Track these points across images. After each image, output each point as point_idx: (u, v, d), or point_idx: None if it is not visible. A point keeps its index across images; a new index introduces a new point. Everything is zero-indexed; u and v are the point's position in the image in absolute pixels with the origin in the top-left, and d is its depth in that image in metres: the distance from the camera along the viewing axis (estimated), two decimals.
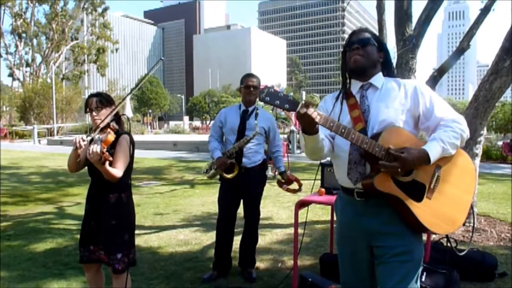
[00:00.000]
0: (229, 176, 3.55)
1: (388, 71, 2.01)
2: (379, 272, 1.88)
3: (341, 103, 1.98)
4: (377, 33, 5.94)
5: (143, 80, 2.93)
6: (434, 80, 5.76)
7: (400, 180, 1.77)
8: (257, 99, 3.65)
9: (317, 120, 1.70)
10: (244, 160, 3.58)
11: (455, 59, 6.18)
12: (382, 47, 1.99)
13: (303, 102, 1.70)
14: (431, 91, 1.91)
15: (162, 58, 2.74)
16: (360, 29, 2.05)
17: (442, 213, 1.80)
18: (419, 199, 1.78)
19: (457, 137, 1.80)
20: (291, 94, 1.74)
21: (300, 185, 3.76)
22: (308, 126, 1.75)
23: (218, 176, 3.67)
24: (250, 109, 3.63)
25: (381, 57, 1.98)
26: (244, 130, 3.57)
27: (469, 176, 1.88)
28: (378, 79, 1.96)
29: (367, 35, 1.98)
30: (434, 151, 1.76)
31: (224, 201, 3.72)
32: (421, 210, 1.77)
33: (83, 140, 2.39)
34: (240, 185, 3.59)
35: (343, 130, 1.74)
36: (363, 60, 1.92)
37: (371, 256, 1.93)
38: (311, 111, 1.68)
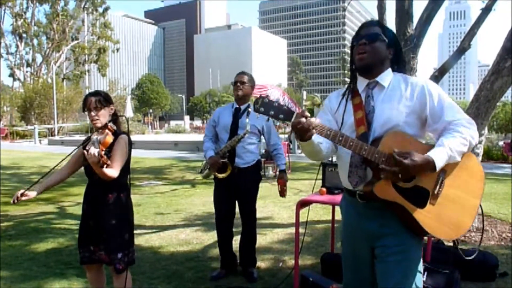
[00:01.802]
0: (221, 176, 3.52)
1: (399, 67, 1.93)
2: (377, 271, 1.87)
3: (346, 102, 1.92)
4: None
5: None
6: (435, 80, 5.75)
7: (401, 187, 1.73)
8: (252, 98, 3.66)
9: (312, 132, 1.69)
10: (237, 160, 3.55)
11: (456, 59, 6.17)
12: (392, 42, 1.89)
13: (297, 112, 1.68)
14: (439, 90, 1.82)
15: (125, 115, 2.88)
16: (370, 21, 1.95)
17: (446, 218, 1.76)
18: (422, 205, 1.73)
19: (466, 144, 1.73)
20: (286, 103, 1.75)
21: (281, 193, 3.79)
22: (303, 135, 1.71)
23: (213, 176, 3.66)
24: (243, 107, 3.61)
25: (390, 53, 1.88)
26: (237, 129, 3.54)
27: (477, 179, 1.81)
28: (386, 77, 1.87)
29: (377, 29, 1.87)
30: (440, 159, 1.68)
31: (219, 201, 3.72)
32: (424, 216, 1.74)
33: (18, 198, 2.54)
34: (234, 185, 3.57)
35: (340, 138, 1.72)
36: (369, 57, 1.84)
37: (372, 257, 1.91)
38: (303, 121, 1.65)
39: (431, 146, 1.75)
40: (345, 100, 1.93)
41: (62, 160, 2.61)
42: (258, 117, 1.73)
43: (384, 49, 1.86)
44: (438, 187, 1.74)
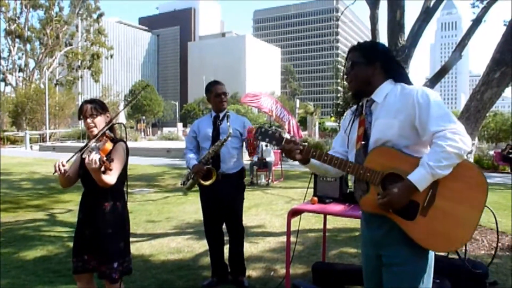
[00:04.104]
0: (207, 183, 3.48)
1: (397, 76, 1.91)
2: (383, 279, 1.91)
3: (354, 119, 2.01)
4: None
5: (129, 103, 2.81)
6: (431, 85, 5.83)
7: None
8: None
9: (297, 157, 1.91)
10: (221, 165, 3.52)
11: (455, 60, 6.23)
12: (373, 57, 1.91)
13: (286, 138, 1.93)
14: (431, 98, 1.77)
15: (148, 85, 2.86)
16: (349, 49, 2.00)
17: (438, 231, 1.74)
18: (412, 217, 1.76)
19: (449, 157, 1.69)
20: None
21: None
22: (291, 158, 1.93)
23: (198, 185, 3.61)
24: (221, 114, 3.61)
25: (376, 68, 1.90)
26: (218, 135, 3.53)
27: (477, 191, 1.74)
28: (380, 92, 1.89)
29: (351, 56, 1.95)
30: (420, 180, 1.71)
31: (205, 210, 3.69)
32: (413, 228, 1.76)
33: (63, 165, 2.41)
34: (219, 193, 3.53)
35: (325, 158, 1.89)
36: (352, 86, 1.95)
37: (380, 265, 1.93)
38: (289, 146, 1.91)
39: (419, 160, 1.75)
40: (353, 117, 2.02)
41: (69, 159, 2.57)
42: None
43: (364, 70, 1.91)
44: (427, 199, 1.74)
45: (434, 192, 1.74)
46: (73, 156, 2.57)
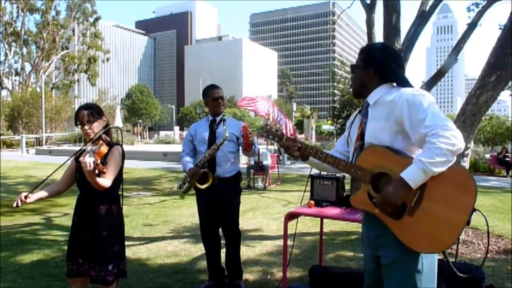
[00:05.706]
0: (203, 186, 3.48)
1: (393, 80, 1.97)
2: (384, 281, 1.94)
3: (355, 118, 2.10)
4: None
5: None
6: (427, 88, 5.86)
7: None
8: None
9: (296, 154, 2.04)
10: (217, 169, 3.53)
11: (453, 62, 6.27)
12: (369, 61, 1.98)
13: (286, 137, 2.08)
14: (422, 100, 1.77)
15: (118, 128, 2.94)
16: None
17: (423, 232, 1.75)
18: (398, 217, 1.79)
19: (443, 153, 1.67)
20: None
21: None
22: (290, 154, 2.07)
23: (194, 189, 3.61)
24: (218, 118, 3.62)
25: (370, 73, 1.96)
26: (214, 139, 3.54)
27: (464, 193, 1.72)
28: (373, 96, 1.96)
29: (357, 59, 2.05)
30: (412, 176, 1.70)
31: (202, 214, 3.69)
32: (400, 227, 1.79)
33: (22, 200, 2.46)
34: (215, 196, 3.54)
35: (320, 155, 2.01)
36: (352, 86, 2.09)
37: (375, 265, 1.97)
38: (287, 143, 2.05)
39: (411, 159, 1.76)
40: (355, 116, 2.11)
41: (58, 168, 2.59)
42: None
43: (361, 74, 2.00)
44: (414, 199, 1.76)
45: (422, 193, 1.76)
46: (41, 184, 2.58)
